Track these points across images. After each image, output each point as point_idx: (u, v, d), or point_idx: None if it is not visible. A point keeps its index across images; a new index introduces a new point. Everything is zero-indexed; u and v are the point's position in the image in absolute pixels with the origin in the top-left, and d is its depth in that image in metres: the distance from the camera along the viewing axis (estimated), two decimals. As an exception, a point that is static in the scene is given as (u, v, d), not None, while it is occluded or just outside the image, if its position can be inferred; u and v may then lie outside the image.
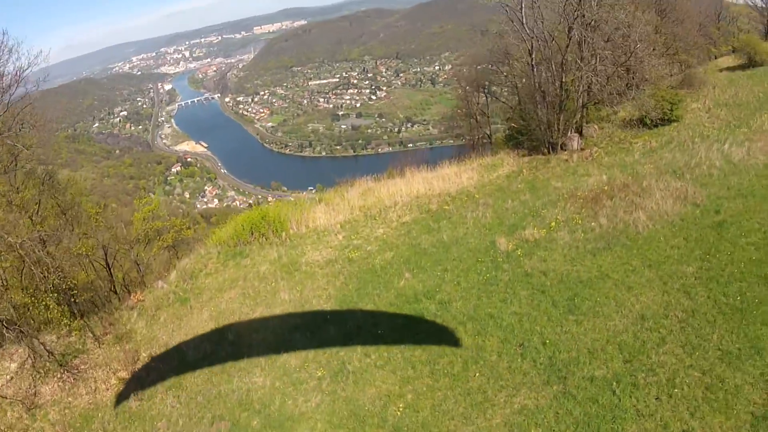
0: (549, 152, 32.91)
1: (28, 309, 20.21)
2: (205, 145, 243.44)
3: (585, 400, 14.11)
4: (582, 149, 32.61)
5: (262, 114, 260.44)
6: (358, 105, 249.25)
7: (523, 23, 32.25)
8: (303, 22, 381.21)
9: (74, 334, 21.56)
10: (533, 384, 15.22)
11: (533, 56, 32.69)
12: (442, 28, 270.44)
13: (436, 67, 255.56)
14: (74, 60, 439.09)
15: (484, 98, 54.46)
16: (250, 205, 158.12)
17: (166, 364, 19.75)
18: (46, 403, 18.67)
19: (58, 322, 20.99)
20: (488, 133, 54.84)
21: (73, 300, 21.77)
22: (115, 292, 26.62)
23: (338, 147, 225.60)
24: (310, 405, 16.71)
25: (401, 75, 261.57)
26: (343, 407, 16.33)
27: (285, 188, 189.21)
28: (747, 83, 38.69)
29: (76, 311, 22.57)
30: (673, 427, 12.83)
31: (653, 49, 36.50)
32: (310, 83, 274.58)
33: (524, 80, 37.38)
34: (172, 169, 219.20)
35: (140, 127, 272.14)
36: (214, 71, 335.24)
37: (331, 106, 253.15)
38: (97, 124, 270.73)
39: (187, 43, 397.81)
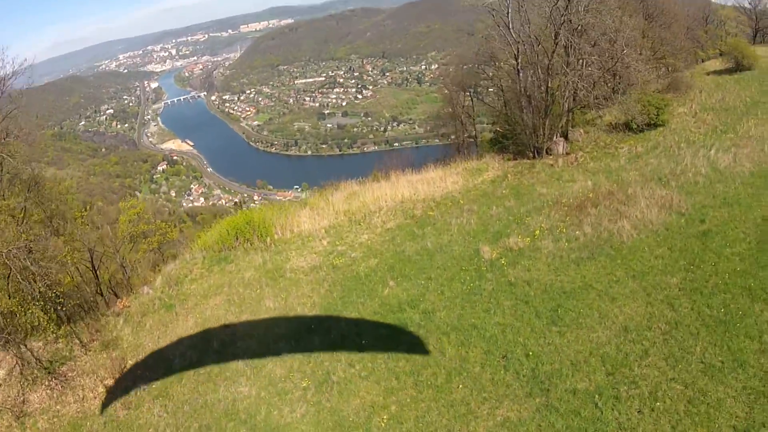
0: (534, 156, 32.95)
1: (15, 316, 19.88)
2: (191, 143, 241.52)
3: (567, 413, 14.07)
4: (567, 154, 32.68)
5: (248, 112, 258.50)
6: (344, 104, 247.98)
7: (509, 27, 32.25)
8: (290, 21, 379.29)
9: (61, 340, 21.19)
10: (516, 396, 15.16)
11: (519, 60, 32.72)
12: (429, 27, 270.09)
13: (423, 67, 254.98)
14: (61, 57, 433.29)
15: (470, 99, 54.44)
16: (236, 203, 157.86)
17: (152, 373, 19.47)
18: (35, 411, 18.40)
19: (44, 329, 20.59)
20: (474, 133, 54.89)
21: (60, 307, 21.43)
22: (102, 295, 26.33)
23: (324, 146, 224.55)
24: (296, 415, 16.56)
25: (387, 74, 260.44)
26: (328, 418, 16.20)
27: (271, 187, 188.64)
28: (734, 87, 38.98)
29: (62, 316, 22.27)
30: (655, 441, 12.78)
31: (640, 54, 36.68)
32: (296, 82, 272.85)
33: (510, 83, 37.39)
34: (158, 168, 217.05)
35: (126, 125, 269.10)
36: (201, 69, 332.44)
37: (317, 104, 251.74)
38: (83, 122, 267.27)
39: (173, 41, 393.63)
